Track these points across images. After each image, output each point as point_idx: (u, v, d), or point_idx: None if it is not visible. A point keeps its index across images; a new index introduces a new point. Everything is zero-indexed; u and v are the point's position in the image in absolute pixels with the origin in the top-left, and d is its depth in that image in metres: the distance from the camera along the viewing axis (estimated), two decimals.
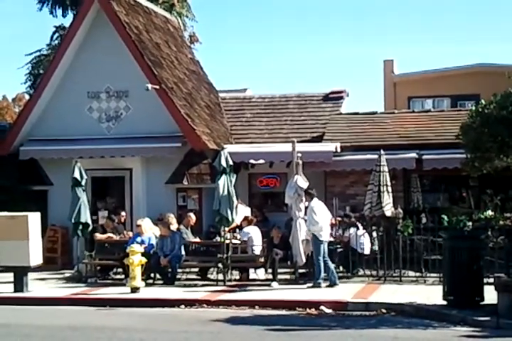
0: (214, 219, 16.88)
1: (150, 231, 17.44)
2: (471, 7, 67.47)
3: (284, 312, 13.52)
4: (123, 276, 17.03)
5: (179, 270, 17.04)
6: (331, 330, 11.76)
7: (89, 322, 12.92)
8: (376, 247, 16.87)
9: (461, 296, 12.70)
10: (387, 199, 17.02)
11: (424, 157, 19.49)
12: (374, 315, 12.98)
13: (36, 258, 16.14)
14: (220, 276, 16.44)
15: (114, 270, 17.98)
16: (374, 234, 17.16)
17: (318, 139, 21.40)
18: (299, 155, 16.70)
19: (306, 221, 15.89)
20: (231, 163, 16.58)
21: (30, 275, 16.31)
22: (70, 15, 30.21)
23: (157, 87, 19.93)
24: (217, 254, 16.62)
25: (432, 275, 15.66)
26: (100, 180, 20.91)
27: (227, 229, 16.78)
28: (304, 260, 16.01)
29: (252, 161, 20.46)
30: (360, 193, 19.09)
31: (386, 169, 17.40)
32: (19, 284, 15.84)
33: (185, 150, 20.16)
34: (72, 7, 30.36)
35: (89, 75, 20.84)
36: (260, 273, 17.02)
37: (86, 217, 17.35)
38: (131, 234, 18.22)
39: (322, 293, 14.65)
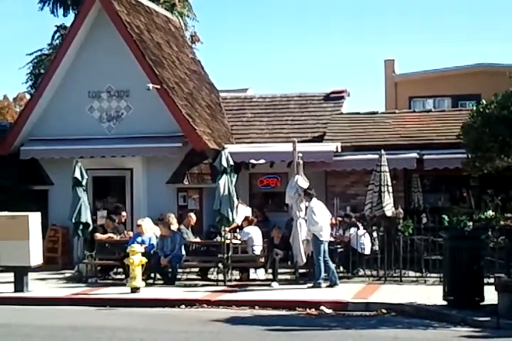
0: (214, 219, 16.89)
1: (150, 231, 17.43)
2: (472, 7, 67.55)
3: (284, 312, 13.51)
4: (123, 276, 17.02)
5: (179, 270, 17.03)
6: (331, 330, 11.75)
7: (89, 322, 12.92)
8: (376, 247, 16.86)
9: (462, 296, 12.70)
10: (388, 200, 17.02)
11: (425, 157, 19.48)
12: (374, 315, 12.98)
13: (37, 258, 16.14)
14: (221, 276, 16.44)
15: (115, 270, 17.98)
16: (374, 234, 17.15)
17: (319, 139, 21.40)
18: (300, 155, 16.70)
19: (306, 221, 15.88)
20: (232, 162, 16.57)
21: (31, 275, 16.30)
22: (71, 15, 30.25)
23: (158, 86, 19.93)
24: (218, 254, 16.62)
25: (433, 275, 15.65)
26: (101, 179, 20.91)
27: (227, 229, 16.78)
28: (305, 260, 16.01)
29: (252, 161, 20.45)
30: (361, 193, 19.08)
31: (387, 169, 17.39)
32: (19, 284, 15.83)
33: (186, 150, 20.16)
34: (73, 7, 30.38)
35: (90, 75, 20.84)
36: (260, 274, 17.01)
37: (86, 216, 17.34)
38: (131, 233, 18.22)
39: (322, 293, 14.64)
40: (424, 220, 17.51)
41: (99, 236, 18.06)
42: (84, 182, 17.53)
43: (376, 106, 48.14)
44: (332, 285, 15.46)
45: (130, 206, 20.51)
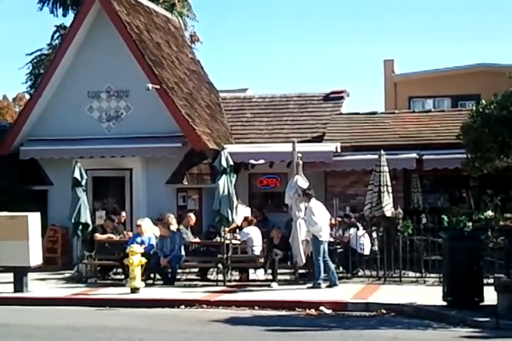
0: (214, 220, 16.88)
1: (150, 231, 17.43)
2: (472, 7, 67.56)
3: (283, 312, 13.51)
4: (123, 276, 17.02)
5: (179, 270, 17.03)
6: (331, 331, 11.75)
7: (89, 323, 12.92)
8: (376, 247, 16.85)
9: (461, 297, 12.69)
10: (388, 200, 17.01)
11: (425, 157, 19.48)
12: (374, 315, 12.97)
13: (36, 258, 16.13)
14: (220, 277, 16.44)
15: (114, 270, 17.98)
16: (374, 234, 17.15)
17: (319, 139, 21.40)
18: (299, 155, 16.69)
19: (305, 221, 15.88)
20: (231, 163, 16.57)
21: (30, 275, 16.30)
22: (71, 15, 30.24)
23: (158, 86, 19.93)
24: (217, 255, 16.62)
25: (432, 275, 15.65)
26: (101, 180, 20.91)
27: (227, 229, 16.78)
28: (304, 260, 16.00)
29: (252, 161, 20.45)
30: (361, 193, 19.08)
31: (386, 169, 17.39)
32: (19, 284, 15.83)
33: (185, 150, 20.16)
34: (72, 7, 30.39)
35: (89, 75, 20.84)
36: (260, 274, 17.01)
37: (86, 217, 17.34)
38: (131, 234, 18.22)
39: (322, 294, 14.64)
40: (424, 220, 17.54)
41: (98, 236, 18.06)
42: (83, 183, 17.53)
43: (376, 106, 48.21)
44: (331, 285, 15.46)
45: (129, 206, 20.52)
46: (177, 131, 20.01)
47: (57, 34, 31.92)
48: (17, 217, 16.00)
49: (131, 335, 11.58)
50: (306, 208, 15.96)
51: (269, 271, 16.40)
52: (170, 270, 16.72)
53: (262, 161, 20.34)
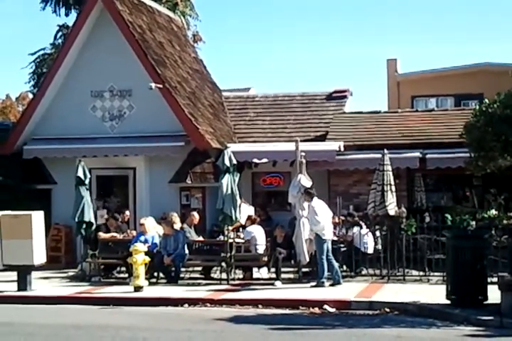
0: (217, 218, 16.89)
1: (153, 230, 17.44)
2: (472, 7, 67.52)
3: (287, 311, 13.51)
4: (126, 275, 17.05)
5: (182, 269, 17.03)
6: (335, 329, 11.75)
7: (92, 321, 12.93)
8: (380, 246, 16.86)
9: (465, 295, 12.69)
10: (391, 199, 17.00)
11: (428, 156, 19.47)
12: (377, 314, 12.97)
13: (40, 257, 16.15)
14: (224, 275, 16.44)
15: (118, 269, 18.01)
16: (377, 233, 17.15)
17: (322, 138, 21.41)
18: (303, 154, 16.70)
19: (309, 220, 15.88)
20: (234, 161, 16.57)
21: (34, 274, 16.33)
22: (74, 15, 30.22)
23: (160, 86, 19.94)
24: (221, 253, 16.62)
25: (436, 274, 15.64)
26: (104, 178, 20.93)
27: (230, 228, 16.79)
28: (308, 259, 16.00)
29: (255, 160, 20.44)
30: (364, 192, 19.08)
31: (390, 168, 17.37)
32: (23, 283, 15.85)
33: (188, 150, 20.16)
34: (75, 6, 30.39)
35: (92, 74, 20.86)
36: (264, 272, 17.01)
37: (89, 215, 17.35)
38: (134, 232, 18.23)
39: (325, 292, 14.64)
40: (427, 219, 17.53)
41: (102, 235, 18.08)
42: (87, 182, 17.54)
43: (379, 105, 48.11)
44: (335, 284, 15.46)
45: (133, 205, 20.53)
46: (180, 130, 20.01)
47: (59, 33, 31.95)
48: (21, 216, 16.02)
49: (135, 334, 11.59)
50: (308, 207, 15.96)
51: (273, 269, 16.40)
52: (173, 268, 16.72)
53: (265, 160, 20.34)
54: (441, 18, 66.28)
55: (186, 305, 14.23)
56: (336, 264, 15.69)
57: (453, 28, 67.16)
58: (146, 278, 15.76)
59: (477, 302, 12.62)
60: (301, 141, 17.39)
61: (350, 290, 14.75)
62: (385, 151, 17.52)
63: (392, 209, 16.97)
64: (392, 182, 17.20)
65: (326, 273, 15.49)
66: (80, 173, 17.33)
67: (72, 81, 21.05)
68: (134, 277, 15.58)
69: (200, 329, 11.98)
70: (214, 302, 14.25)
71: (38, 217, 16.19)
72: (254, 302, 14.01)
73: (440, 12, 66.76)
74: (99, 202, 20.51)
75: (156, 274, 16.92)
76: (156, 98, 20.06)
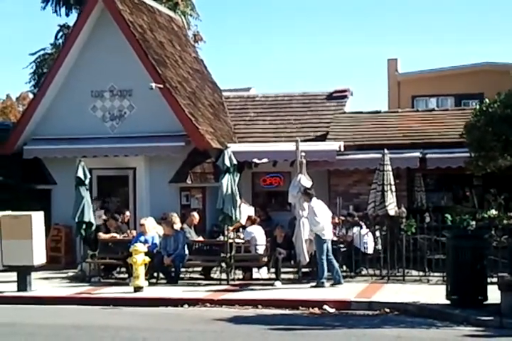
0: (217, 218, 16.88)
1: (153, 230, 17.43)
2: (474, 7, 67.49)
3: (287, 311, 13.51)
4: (126, 275, 17.05)
5: (182, 269, 17.04)
6: (334, 330, 11.75)
7: (92, 321, 12.93)
8: (379, 246, 16.85)
9: (465, 296, 12.68)
10: (391, 199, 17.00)
11: (428, 156, 19.47)
12: (377, 314, 12.96)
13: (40, 257, 16.14)
14: (224, 275, 16.44)
15: (118, 269, 18.01)
16: (377, 233, 17.14)
17: (322, 138, 21.40)
18: (303, 154, 16.69)
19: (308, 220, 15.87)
20: (235, 162, 16.56)
21: (34, 274, 16.33)
22: (74, 14, 30.23)
23: (161, 86, 19.93)
24: (221, 253, 16.62)
25: (436, 274, 15.64)
26: (104, 178, 20.92)
27: (230, 228, 16.78)
28: (308, 259, 15.99)
29: (255, 160, 20.44)
30: (364, 192, 19.08)
31: (390, 168, 17.36)
32: (23, 283, 15.84)
33: (188, 150, 20.16)
34: (75, 6, 30.39)
35: (93, 74, 20.86)
36: (263, 273, 17.00)
37: (89, 216, 17.33)
38: (134, 232, 18.23)
39: (325, 293, 14.64)
40: (427, 219, 17.51)
41: (102, 235, 18.08)
42: (87, 182, 17.52)
43: (379, 105, 48.06)
44: (336, 283, 15.46)
45: (133, 205, 20.53)
46: (180, 130, 20.01)
47: (60, 33, 31.95)
48: (21, 216, 16.01)
49: (135, 334, 11.59)
50: (308, 207, 15.94)
51: (273, 269, 16.40)
52: (173, 269, 16.72)
53: (265, 160, 20.34)
54: (442, 18, 66.36)
55: (186, 305, 14.23)
56: (337, 264, 15.69)
57: (453, 28, 67.27)
58: (146, 279, 15.76)
59: (477, 303, 12.62)
60: (301, 140, 17.38)
61: (350, 290, 14.75)
62: (385, 151, 17.51)
63: (392, 209, 16.97)
64: (393, 182, 17.20)
65: (325, 274, 15.49)
66: (80, 173, 17.31)
67: (73, 81, 21.05)
68: (134, 277, 15.58)
69: (200, 329, 11.98)
70: (214, 303, 14.24)
71: (37, 217, 16.18)
72: (254, 303, 14.00)
73: (440, 12, 66.84)
74: (97, 202, 20.43)
75: (155, 274, 16.92)
76: (156, 98, 20.06)
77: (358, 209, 18.87)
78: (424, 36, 66.53)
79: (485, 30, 66.66)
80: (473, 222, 15.69)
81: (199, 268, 17.56)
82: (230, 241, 16.64)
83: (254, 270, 17.12)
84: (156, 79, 20.02)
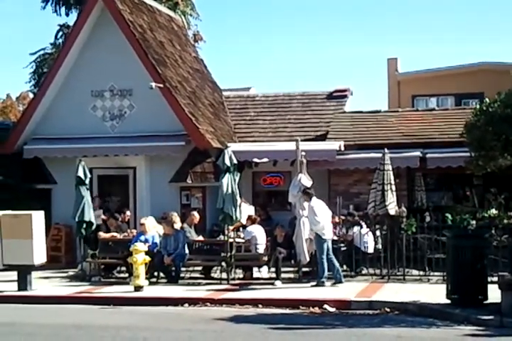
0: (218, 218, 16.87)
1: (154, 229, 17.43)
2: (474, 6, 67.49)
3: (287, 310, 13.51)
4: (127, 275, 17.06)
5: (183, 268, 17.03)
6: (335, 329, 11.75)
7: (93, 321, 12.93)
8: (380, 246, 16.85)
9: (465, 295, 12.68)
10: (391, 198, 16.99)
11: (428, 155, 19.46)
12: (377, 313, 12.96)
13: (40, 256, 16.15)
14: (224, 275, 16.44)
15: (118, 268, 18.01)
16: (378, 232, 17.14)
17: (322, 138, 21.40)
18: (303, 153, 16.69)
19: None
20: (235, 161, 16.55)
21: (34, 273, 16.33)
22: (74, 14, 30.23)
23: (161, 85, 19.94)
24: (221, 253, 16.62)
25: (436, 274, 15.64)
26: (105, 178, 20.92)
27: (231, 227, 16.78)
28: (308, 259, 16.00)
29: (255, 160, 20.44)
30: (364, 192, 19.07)
31: (390, 168, 17.35)
32: (23, 283, 15.85)
33: (188, 149, 20.16)
34: (75, 5, 30.39)
35: (93, 74, 20.86)
36: (264, 272, 17.00)
37: (90, 215, 17.33)
38: (134, 232, 18.24)
39: (325, 292, 14.64)
40: (428, 219, 17.53)
41: (102, 235, 18.08)
42: (87, 181, 17.52)
43: (379, 104, 48.11)
44: (337, 282, 15.46)
45: (133, 205, 20.53)
46: (180, 130, 20.01)
47: (60, 33, 31.96)
48: (21, 216, 16.01)
49: (135, 334, 11.59)
50: (308, 207, 15.94)
51: (273, 269, 16.40)
52: (173, 268, 16.72)
53: (265, 160, 20.34)
54: (442, 18, 66.39)
55: (186, 304, 14.23)
56: (337, 263, 15.68)
57: (453, 27, 67.25)
58: (146, 278, 15.76)
59: (477, 302, 12.62)
60: (301, 140, 17.38)
61: (351, 289, 14.75)
62: (386, 151, 17.50)
63: (392, 208, 16.97)
64: (393, 182, 17.19)
65: (326, 273, 15.48)
66: (80, 173, 17.32)
67: (73, 80, 21.05)
68: (134, 277, 15.58)
69: (201, 328, 11.98)
70: (214, 302, 14.24)
71: (38, 216, 16.18)
72: (254, 302, 14.00)
73: (440, 11, 66.84)
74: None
75: (156, 274, 16.92)
76: (156, 97, 20.06)
77: (358, 208, 18.87)
78: (424, 36, 66.58)
79: (485, 30, 66.74)
80: (474, 222, 15.66)
81: (199, 268, 17.56)
82: (231, 240, 16.64)
83: (255, 269, 17.12)
84: (156, 78, 20.02)
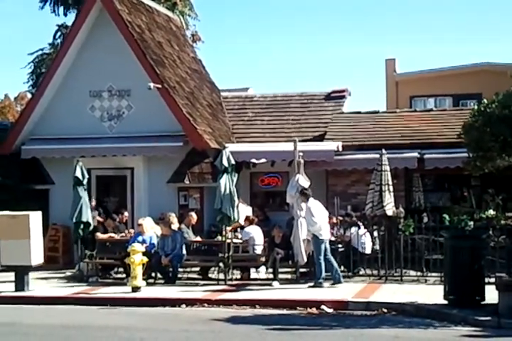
0: (215, 219, 16.88)
1: (151, 230, 17.43)
2: (474, 7, 67.52)
3: (284, 311, 13.51)
4: (124, 275, 17.03)
5: (180, 269, 17.03)
6: (332, 330, 11.75)
7: (90, 322, 12.92)
8: (377, 247, 16.84)
9: (462, 296, 12.69)
10: (389, 199, 17.01)
11: (426, 156, 19.47)
12: (375, 314, 12.96)
13: (37, 257, 16.14)
14: (221, 276, 16.44)
15: (116, 269, 18.00)
16: (375, 233, 17.13)
17: (320, 138, 21.40)
18: (301, 154, 16.69)
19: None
20: (233, 162, 16.56)
21: (32, 274, 16.30)
22: (72, 14, 30.24)
23: (159, 86, 19.93)
24: (219, 253, 16.62)
25: (433, 274, 15.63)
26: (103, 178, 20.91)
27: (228, 228, 16.78)
28: (305, 259, 15.99)
29: (253, 160, 20.43)
30: (362, 192, 19.07)
31: (388, 168, 17.37)
32: (20, 283, 15.83)
33: (186, 150, 20.16)
34: (74, 6, 30.37)
35: (91, 74, 20.84)
36: (261, 273, 16.99)
37: (87, 216, 17.32)
38: (132, 231, 18.23)
39: (323, 293, 14.63)
40: (425, 219, 17.48)
41: (100, 235, 18.07)
42: (85, 182, 17.51)
43: (377, 105, 48.14)
44: (336, 283, 15.45)
45: (131, 205, 20.52)
46: (178, 130, 20.00)
47: (58, 33, 31.96)
48: (18, 216, 16.00)
49: (132, 334, 11.59)
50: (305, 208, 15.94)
51: (271, 269, 16.40)
52: (171, 269, 16.72)
53: (263, 160, 20.34)
54: (440, 18, 66.40)
55: (184, 305, 14.22)
56: (335, 263, 15.68)
57: (452, 27, 67.26)
58: (143, 279, 15.75)
59: (475, 303, 12.62)
60: (299, 141, 17.36)
61: (348, 290, 14.74)
62: (383, 151, 17.52)
63: (390, 209, 16.98)
64: (390, 183, 17.21)
65: (323, 274, 15.48)
66: (78, 173, 17.31)
67: (71, 81, 21.04)
68: (132, 277, 15.57)
69: (198, 329, 11.98)
70: (212, 303, 14.24)
71: (35, 217, 16.17)
72: (251, 303, 14.00)
73: (439, 12, 66.83)
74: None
75: (153, 274, 16.90)
76: (154, 98, 20.05)
77: (356, 209, 18.86)
78: (423, 36, 66.63)
79: (484, 30, 66.76)
80: (471, 222, 15.68)
81: (197, 268, 17.55)
82: (228, 241, 16.63)
83: (252, 270, 17.12)
84: (155, 79, 20.01)
